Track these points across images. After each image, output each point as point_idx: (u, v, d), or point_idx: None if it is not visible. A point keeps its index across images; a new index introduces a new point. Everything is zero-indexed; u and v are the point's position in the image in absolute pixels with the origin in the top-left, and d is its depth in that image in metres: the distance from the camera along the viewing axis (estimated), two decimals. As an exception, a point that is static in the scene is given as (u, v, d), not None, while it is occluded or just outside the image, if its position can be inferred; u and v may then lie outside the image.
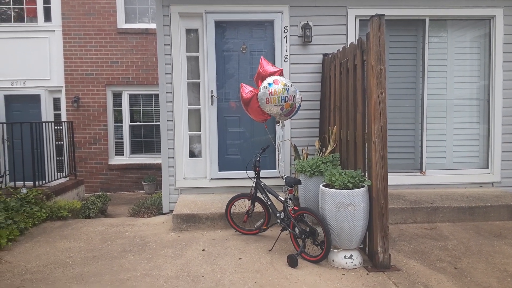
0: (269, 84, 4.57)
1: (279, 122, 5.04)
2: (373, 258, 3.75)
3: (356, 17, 5.84)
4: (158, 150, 10.04)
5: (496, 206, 5.12)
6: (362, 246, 3.98)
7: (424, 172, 5.99)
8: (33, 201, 5.76)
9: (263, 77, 4.72)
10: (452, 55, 6.10)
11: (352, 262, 3.73)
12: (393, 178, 5.55)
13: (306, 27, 5.74)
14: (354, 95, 4.37)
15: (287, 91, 4.54)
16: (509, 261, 3.86)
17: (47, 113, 10.01)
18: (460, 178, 6.01)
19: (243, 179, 5.49)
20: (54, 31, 10.01)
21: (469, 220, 5.07)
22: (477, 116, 6.17)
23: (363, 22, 5.89)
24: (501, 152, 6.03)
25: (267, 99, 4.56)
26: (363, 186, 3.77)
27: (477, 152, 6.18)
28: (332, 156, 4.71)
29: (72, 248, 4.44)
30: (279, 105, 4.55)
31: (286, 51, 5.83)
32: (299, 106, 5.13)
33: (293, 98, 4.64)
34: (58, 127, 8.31)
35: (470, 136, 6.17)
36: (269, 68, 4.75)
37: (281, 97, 4.52)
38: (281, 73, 4.77)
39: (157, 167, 9.90)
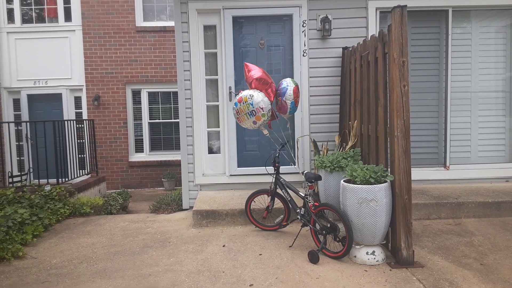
0: (235, 103, 4.53)
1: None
2: (396, 254, 3.68)
3: (376, 9, 5.72)
4: (177, 147, 10.12)
5: (524, 201, 4.96)
6: (384, 242, 3.90)
7: (448, 167, 5.85)
8: (57, 198, 5.87)
9: (248, 84, 4.67)
10: (477, 46, 5.92)
11: (374, 258, 3.67)
12: (416, 173, 5.45)
13: (325, 20, 5.66)
14: (376, 88, 4.28)
15: (251, 104, 4.40)
16: (539, 258, 3.74)
17: (68, 111, 10.20)
18: (486, 172, 5.85)
19: (262, 175, 5.48)
20: (74, 30, 10.17)
21: (495, 216, 4.93)
22: (503, 108, 5.99)
23: (384, 14, 5.77)
24: (529, 145, 5.85)
25: (239, 119, 4.56)
26: (385, 181, 3.70)
27: (503, 146, 6.00)
28: (353, 151, 4.64)
29: (95, 244, 4.51)
30: (250, 120, 4.48)
31: (305, 45, 5.76)
32: (292, 102, 4.70)
33: (262, 109, 4.41)
34: (80, 125, 8.45)
35: (496, 130, 5.99)
36: (253, 73, 4.58)
37: (248, 113, 4.44)
38: (258, 79, 4.55)
39: (176, 164, 9.99)
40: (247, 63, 4.76)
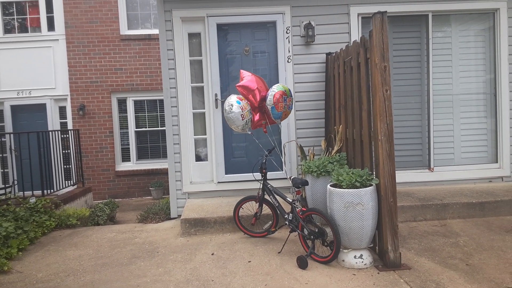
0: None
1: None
2: (384, 257, 3.72)
3: (358, 15, 5.81)
4: (164, 155, 10.07)
5: (506, 201, 5.05)
6: (372, 245, 3.94)
7: (433, 169, 5.93)
8: (42, 210, 5.78)
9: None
10: (457, 49, 6.05)
11: (362, 262, 3.70)
12: (401, 176, 5.52)
13: (309, 26, 5.72)
14: (359, 93, 4.34)
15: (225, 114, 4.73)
16: (522, 256, 3.81)
17: (53, 121, 10.09)
18: (469, 173, 5.95)
19: (250, 181, 5.48)
20: (57, 40, 10.10)
21: (479, 216, 5.02)
22: (484, 110, 6.11)
23: (366, 19, 5.86)
24: (510, 146, 5.96)
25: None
26: (371, 185, 3.74)
27: (486, 146, 6.11)
28: (339, 156, 4.69)
29: (82, 256, 4.46)
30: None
31: (289, 51, 5.81)
32: (273, 108, 4.65)
33: (232, 119, 4.60)
34: (65, 136, 8.36)
35: (478, 131, 6.10)
36: (243, 80, 4.76)
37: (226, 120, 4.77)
38: (241, 87, 4.74)
39: (164, 172, 9.93)
40: (242, 70, 4.86)
